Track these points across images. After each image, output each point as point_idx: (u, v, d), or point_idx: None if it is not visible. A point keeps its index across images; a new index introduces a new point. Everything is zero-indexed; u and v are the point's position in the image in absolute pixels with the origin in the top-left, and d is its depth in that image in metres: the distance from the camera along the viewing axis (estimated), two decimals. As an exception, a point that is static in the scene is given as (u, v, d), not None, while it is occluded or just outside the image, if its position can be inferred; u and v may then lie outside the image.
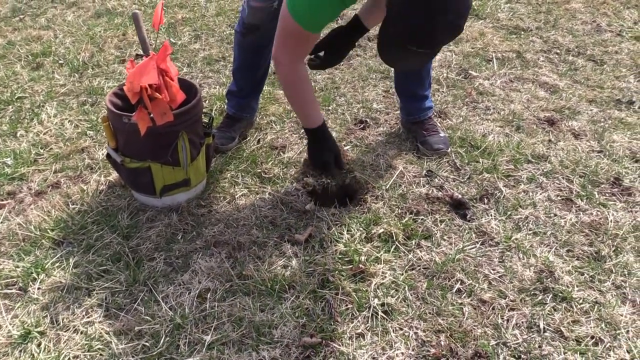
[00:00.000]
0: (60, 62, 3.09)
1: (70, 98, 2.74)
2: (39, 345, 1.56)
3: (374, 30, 3.17)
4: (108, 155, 1.98)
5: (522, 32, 3.32)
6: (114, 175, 2.17)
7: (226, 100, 2.45)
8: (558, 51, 3.11)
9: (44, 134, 2.47)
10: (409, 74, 2.30)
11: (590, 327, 1.59)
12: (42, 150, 2.36)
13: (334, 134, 2.38)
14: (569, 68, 2.94)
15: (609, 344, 1.55)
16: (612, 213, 1.99)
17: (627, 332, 1.58)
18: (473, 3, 3.65)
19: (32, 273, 1.77)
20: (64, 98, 2.75)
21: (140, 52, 1.89)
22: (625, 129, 2.45)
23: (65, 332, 1.59)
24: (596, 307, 1.65)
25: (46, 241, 1.90)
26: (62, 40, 3.34)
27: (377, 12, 1.80)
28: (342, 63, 2.97)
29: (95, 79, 2.90)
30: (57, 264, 1.81)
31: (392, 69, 2.34)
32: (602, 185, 2.12)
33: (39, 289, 1.73)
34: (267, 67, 2.34)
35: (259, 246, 1.86)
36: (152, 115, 1.76)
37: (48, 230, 1.93)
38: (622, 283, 1.73)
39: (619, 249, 1.85)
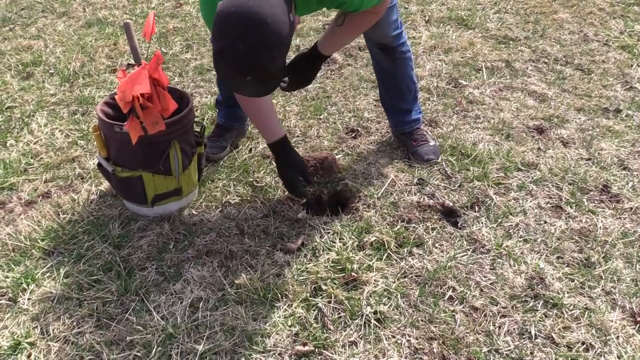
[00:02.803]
0: (50, 71, 3.08)
1: (61, 107, 2.74)
2: (29, 356, 1.55)
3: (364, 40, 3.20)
4: (99, 165, 1.97)
5: (511, 42, 3.36)
6: (105, 184, 2.17)
7: (216, 110, 2.46)
8: (546, 60, 3.15)
9: (34, 143, 2.46)
10: (388, 89, 2.32)
11: (581, 333, 1.60)
12: (32, 160, 2.35)
13: (325, 143, 2.40)
14: (557, 77, 2.98)
15: (599, 350, 1.56)
16: (601, 220, 2.01)
17: (617, 337, 1.59)
18: (462, 14, 3.69)
19: (22, 283, 1.76)
20: (54, 107, 2.74)
21: (132, 61, 1.90)
22: (613, 137, 2.48)
23: (55, 342, 1.58)
24: (586, 313, 1.66)
25: (36, 251, 1.89)
26: (53, 49, 3.33)
27: (332, 39, 1.88)
28: (332, 72, 3.00)
29: (86, 89, 2.89)
30: (48, 274, 1.80)
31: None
32: (591, 193, 2.15)
33: (29, 299, 1.72)
34: None
35: (251, 255, 1.85)
36: (144, 124, 1.76)
37: (38, 240, 1.92)
38: (612, 289, 1.75)
39: (608, 256, 1.87)
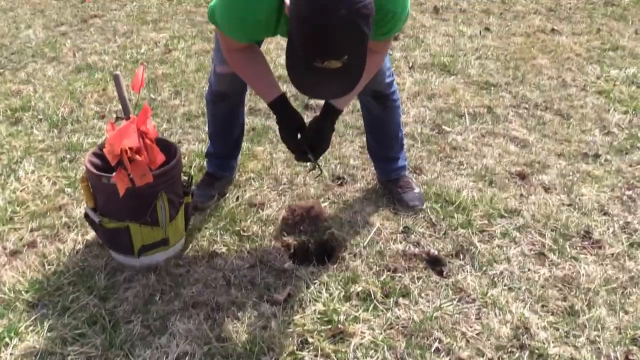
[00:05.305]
0: (39, 117, 3.10)
1: (49, 154, 2.75)
2: (9, 416, 1.52)
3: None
4: (86, 215, 1.98)
5: (492, 88, 3.45)
6: (92, 234, 2.16)
7: (206, 160, 2.48)
8: (527, 106, 3.24)
9: (21, 191, 2.45)
10: (377, 138, 2.36)
11: (567, 385, 1.61)
12: (18, 208, 2.34)
13: (311, 191, 2.43)
14: (537, 122, 3.06)
15: (585, 402, 1.57)
16: (583, 267, 2.04)
17: (603, 389, 1.61)
18: (444, 60, 3.80)
19: (4, 337, 1.73)
20: (42, 154, 2.75)
21: (121, 114, 1.93)
22: (593, 182, 2.54)
23: (37, 401, 1.55)
24: (572, 363, 1.68)
25: (20, 304, 1.87)
26: (42, 95, 3.36)
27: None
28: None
29: (75, 135, 2.91)
30: (31, 328, 1.78)
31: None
32: (573, 239, 2.18)
33: (11, 354, 1.69)
34: (242, 127, 2.39)
35: (237, 307, 1.85)
36: (131, 176, 1.78)
37: (22, 292, 1.90)
38: (596, 338, 1.77)
39: (591, 303, 1.89)
